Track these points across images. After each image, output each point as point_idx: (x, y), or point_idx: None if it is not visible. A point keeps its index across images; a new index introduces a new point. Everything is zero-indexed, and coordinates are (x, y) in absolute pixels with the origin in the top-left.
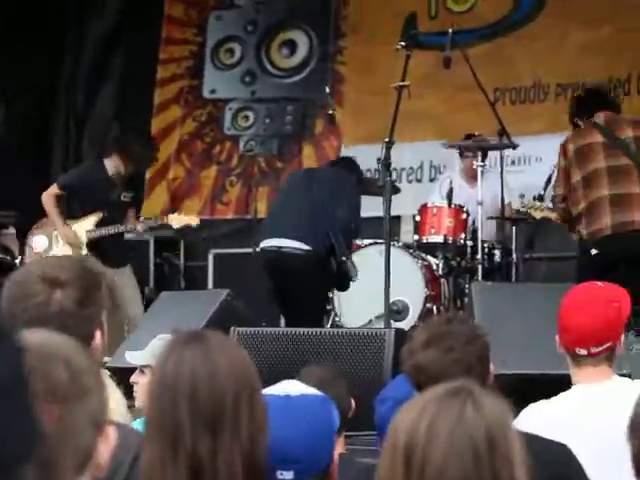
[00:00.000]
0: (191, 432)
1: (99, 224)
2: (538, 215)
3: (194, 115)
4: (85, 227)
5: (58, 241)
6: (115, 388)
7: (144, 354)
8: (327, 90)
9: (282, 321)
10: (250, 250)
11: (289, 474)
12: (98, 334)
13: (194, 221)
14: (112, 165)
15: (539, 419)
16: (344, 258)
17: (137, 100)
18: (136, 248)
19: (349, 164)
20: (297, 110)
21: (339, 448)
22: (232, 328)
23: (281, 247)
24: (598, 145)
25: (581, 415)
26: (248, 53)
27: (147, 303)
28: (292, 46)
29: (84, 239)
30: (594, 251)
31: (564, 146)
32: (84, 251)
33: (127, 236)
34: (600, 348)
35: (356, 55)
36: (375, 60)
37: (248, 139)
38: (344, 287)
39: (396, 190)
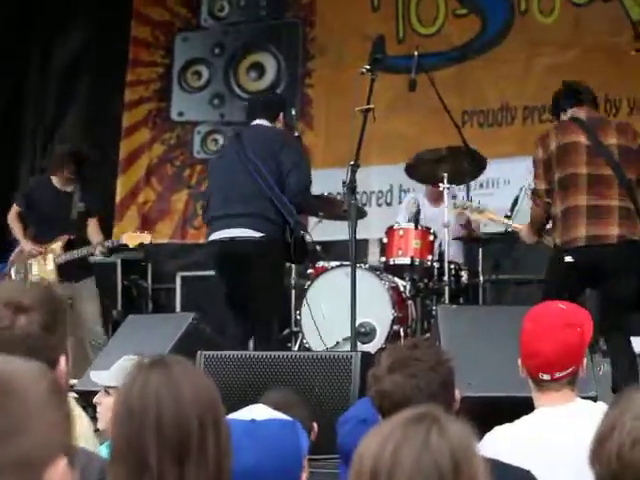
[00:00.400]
0: (157, 458)
1: (66, 248)
2: (475, 216)
3: (163, 138)
4: (53, 253)
5: (32, 269)
6: (81, 413)
7: (109, 374)
8: (293, 112)
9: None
10: None
11: None
12: (62, 359)
13: (146, 239)
14: (57, 177)
15: (503, 442)
16: (301, 232)
17: (106, 122)
18: (103, 270)
19: (269, 108)
20: None
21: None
22: (199, 352)
23: (233, 237)
24: (582, 147)
25: (544, 438)
26: (216, 76)
27: (114, 325)
28: (260, 69)
29: (52, 266)
30: (568, 258)
31: (544, 139)
32: (53, 276)
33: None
34: (563, 373)
35: (324, 78)
36: (343, 83)
37: None
38: (299, 259)
39: (362, 214)
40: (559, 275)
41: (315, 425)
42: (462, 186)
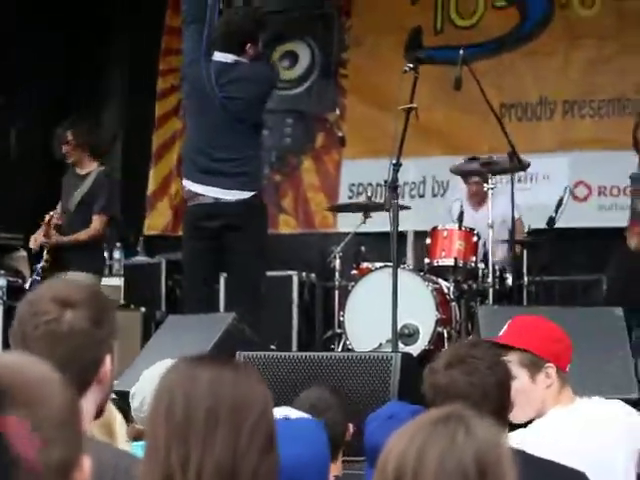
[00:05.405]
0: (165, 442)
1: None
2: None
3: None
4: None
5: None
6: (117, 414)
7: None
8: (337, 112)
9: (293, 343)
10: None
11: None
12: (108, 358)
13: None
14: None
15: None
16: None
17: (139, 113)
18: (147, 270)
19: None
20: (297, 122)
21: (334, 471)
22: (237, 352)
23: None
24: None
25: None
26: None
27: (157, 326)
28: (293, 57)
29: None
30: None
31: None
32: None
33: None
34: None
35: (359, 68)
36: (378, 74)
37: None
38: None
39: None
40: None
41: (351, 426)
42: (507, 182)
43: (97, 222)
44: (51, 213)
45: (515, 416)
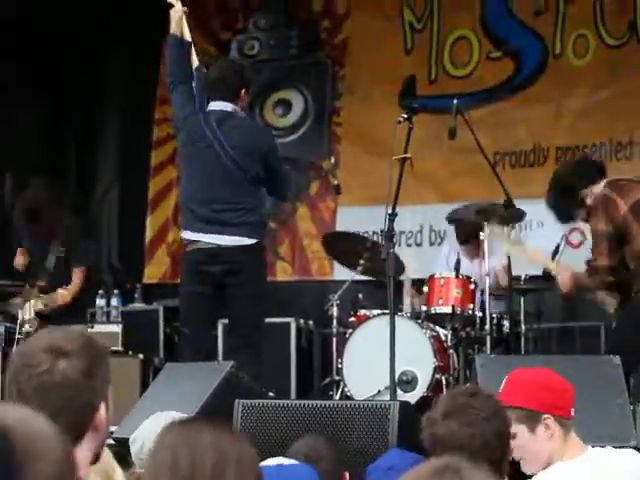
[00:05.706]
0: None
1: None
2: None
3: None
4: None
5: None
6: (114, 463)
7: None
8: (332, 161)
9: (292, 390)
10: None
11: None
12: (102, 407)
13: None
14: None
15: None
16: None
17: (134, 161)
18: (145, 317)
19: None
20: (291, 170)
21: None
22: (236, 400)
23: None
24: None
25: None
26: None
27: (155, 373)
28: (287, 105)
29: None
30: None
31: (612, 206)
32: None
33: None
34: None
35: (353, 116)
36: (372, 121)
37: None
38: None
39: (400, 269)
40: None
41: (347, 474)
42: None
43: (76, 277)
44: (38, 282)
45: (525, 470)
